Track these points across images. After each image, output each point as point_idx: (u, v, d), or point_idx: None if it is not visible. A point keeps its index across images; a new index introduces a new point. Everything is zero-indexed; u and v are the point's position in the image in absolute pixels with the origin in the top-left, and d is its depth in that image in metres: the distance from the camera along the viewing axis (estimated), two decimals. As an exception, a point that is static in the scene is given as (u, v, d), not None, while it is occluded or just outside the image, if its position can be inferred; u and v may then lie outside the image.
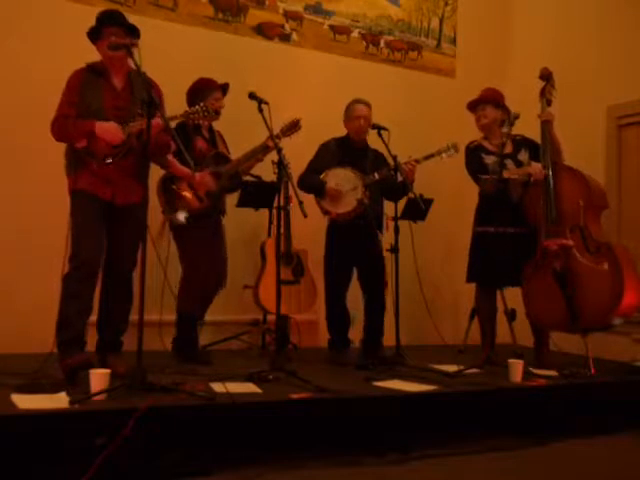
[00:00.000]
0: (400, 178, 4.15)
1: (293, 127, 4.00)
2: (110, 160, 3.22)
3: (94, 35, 3.33)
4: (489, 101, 4.39)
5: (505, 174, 4.14)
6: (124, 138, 3.21)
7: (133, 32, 3.33)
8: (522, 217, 4.24)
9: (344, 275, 4.37)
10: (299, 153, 4.26)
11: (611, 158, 5.02)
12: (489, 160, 4.26)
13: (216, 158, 3.97)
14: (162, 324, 4.06)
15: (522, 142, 4.38)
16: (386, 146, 4.07)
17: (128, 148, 3.24)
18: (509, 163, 4.25)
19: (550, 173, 4.14)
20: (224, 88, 4.08)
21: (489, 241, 4.22)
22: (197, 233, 3.93)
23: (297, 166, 4.26)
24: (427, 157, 4.24)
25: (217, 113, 3.92)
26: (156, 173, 3.74)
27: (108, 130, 3.20)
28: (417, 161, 4.19)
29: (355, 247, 4.27)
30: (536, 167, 4.19)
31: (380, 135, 4.12)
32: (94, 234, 3.27)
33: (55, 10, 4.23)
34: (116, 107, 3.30)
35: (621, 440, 3.57)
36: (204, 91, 3.98)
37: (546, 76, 4.35)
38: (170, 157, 3.75)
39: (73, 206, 3.30)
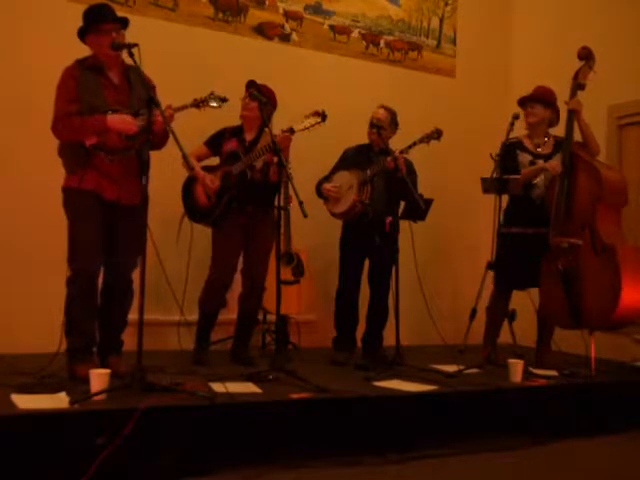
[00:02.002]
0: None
1: (314, 118, 3.90)
2: (123, 151, 3.22)
3: (86, 31, 3.29)
4: (539, 99, 4.24)
5: (523, 172, 4.12)
6: (138, 128, 3.20)
7: (124, 25, 3.33)
8: (544, 217, 4.13)
9: (356, 270, 4.36)
10: (299, 152, 4.26)
11: (611, 158, 5.01)
12: (522, 158, 4.24)
13: (230, 157, 3.96)
14: (163, 324, 4.06)
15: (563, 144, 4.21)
16: (386, 145, 4.07)
17: (139, 141, 3.23)
18: (539, 163, 4.19)
19: (568, 167, 4.01)
20: (250, 85, 3.97)
21: (509, 242, 4.19)
22: (226, 234, 3.93)
23: (297, 166, 4.25)
24: (411, 145, 4.18)
25: (224, 100, 3.83)
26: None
27: (122, 121, 3.19)
28: (402, 152, 4.17)
29: (366, 244, 4.28)
30: (552, 162, 4.11)
31: (380, 135, 4.13)
32: (93, 238, 3.26)
33: (55, 10, 4.23)
34: (118, 102, 3.28)
35: (621, 440, 3.58)
36: None
37: (584, 55, 4.06)
38: (191, 159, 3.73)
39: (74, 206, 3.27)
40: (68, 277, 3.26)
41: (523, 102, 4.31)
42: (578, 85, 4.11)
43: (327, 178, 4.36)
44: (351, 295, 4.37)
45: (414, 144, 4.19)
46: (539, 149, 4.25)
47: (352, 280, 4.36)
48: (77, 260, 3.24)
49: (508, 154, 4.24)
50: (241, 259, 4.06)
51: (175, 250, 3.80)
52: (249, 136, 4.04)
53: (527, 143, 4.30)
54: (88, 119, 3.17)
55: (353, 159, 4.36)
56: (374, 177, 4.19)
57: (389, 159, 4.07)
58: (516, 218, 4.23)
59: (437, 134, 4.23)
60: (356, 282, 4.37)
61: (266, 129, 3.96)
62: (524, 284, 4.34)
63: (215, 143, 4.05)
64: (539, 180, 4.18)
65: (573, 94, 4.11)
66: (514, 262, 4.17)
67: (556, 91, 4.26)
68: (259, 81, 3.98)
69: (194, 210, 3.96)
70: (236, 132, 4.05)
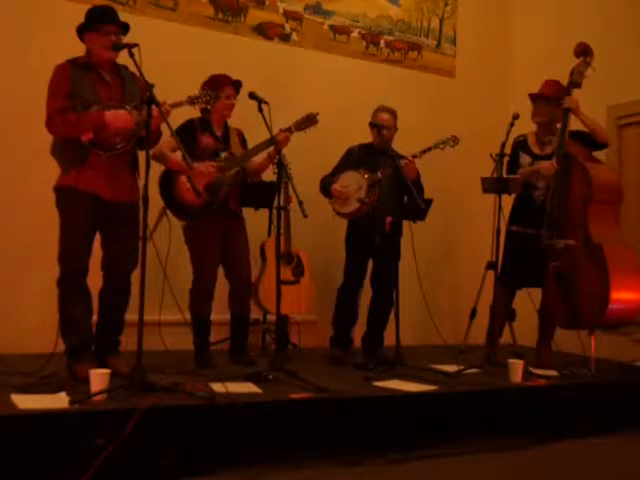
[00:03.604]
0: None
1: (308, 121, 3.92)
2: (120, 146, 3.20)
3: (86, 29, 3.27)
4: (542, 98, 4.20)
5: (520, 172, 4.12)
6: (134, 124, 3.18)
7: (125, 31, 3.33)
8: (544, 217, 4.11)
9: (359, 269, 4.38)
10: (299, 153, 4.26)
11: (611, 158, 5.01)
12: (523, 160, 4.24)
13: (215, 154, 3.89)
14: (162, 324, 4.05)
15: (569, 138, 4.17)
16: (389, 146, 4.08)
17: (136, 137, 3.22)
18: (540, 163, 4.19)
19: (562, 168, 4.01)
20: (236, 85, 3.97)
21: (513, 241, 4.20)
22: (204, 233, 3.87)
23: (297, 166, 4.26)
24: (425, 150, 4.20)
25: (217, 97, 3.74)
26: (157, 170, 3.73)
27: (120, 117, 3.17)
28: (415, 156, 4.18)
29: (370, 243, 4.28)
30: (545, 163, 4.11)
31: (380, 135, 4.13)
32: (84, 240, 3.26)
33: (55, 10, 4.23)
34: (111, 99, 3.26)
35: (621, 440, 3.58)
36: (215, 87, 3.85)
37: (581, 52, 4.00)
38: (167, 152, 3.74)
39: (68, 206, 3.24)
40: (58, 277, 3.27)
41: (533, 98, 4.27)
42: (573, 83, 4.06)
43: (332, 176, 4.35)
44: (353, 293, 4.38)
45: (429, 149, 4.21)
46: (545, 148, 4.23)
47: (355, 278, 4.37)
48: (66, 260, 3.24)
49: (513, 154, 4.25)
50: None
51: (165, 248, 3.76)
52: (218, 131, 4.00)
53: (531, 142, 4.30)
54: (85, 115, 3.16)
55: (358, 159, 4.36)
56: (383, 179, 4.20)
57: (406, 162, 4.08)
58: (519, 217, 4.24)
59: (453, 141, 4.23)
60: (359, 281, 4.39)
61: (230, 124, 4.02)
62: (525, 283, 4.34)
63: (187, 135, 3.84)
64: (541, 181, 4.18)
65: (568, 92, 4.07)
66: (515, 260, 4.17)
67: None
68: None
69: (180, 207, 3.83)
70: (205, 126, 3.96)
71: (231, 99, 3.94)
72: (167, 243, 3.56)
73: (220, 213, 3.87)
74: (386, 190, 4.23)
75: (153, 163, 3.07)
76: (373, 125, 4.25)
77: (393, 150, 4.24)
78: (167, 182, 3.86)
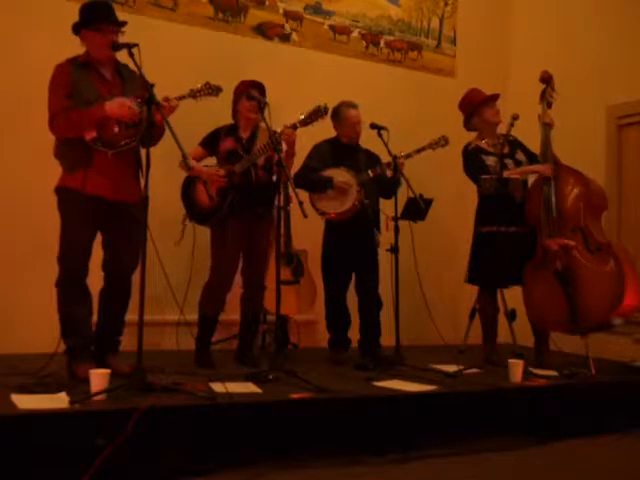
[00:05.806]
0: (390, 174, 4.19)
1: (314, 114, 3.86)
2: (124, 142, 3.19)
3: (85, 26, 3.24)
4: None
5: (506, 174, 4.15)
6: (138, 112, 3.15)
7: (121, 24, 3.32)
8: (523, 216, 4.25)
9: (343, 274, 4.38)
10: (299, 153, 4.25)
11: (611, 158, 5.02)
12: (490, 161, 4.26)
13: (230, 156, 3.93)
14: (163, 324, 4.06)
15: (516, 143, 4.40)
16: (386, 146, 4.07)
17: (141, 130, 3.20)
18: (509, 163, 4.26)
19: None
20: (257, 87, 3.93)
21: (490, 241, 4.23)
22: (226, 237, 3.88)
23: (297, 166, 4.26)
24: (418, 150, 4.25)
25: (219, 89, 3.62)
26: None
27: (121, 105, 3.14)
28: (409, 155, 4.20)
29: (353, 246, 4.28)
30: (542, 166, 4.18)
31: (380, 135, 4.13)
32: (85, 241, 3.26)
33: (55, 10, 4.23)
34: (112, 96, 3.23)
35: (621, 440, 3.57)
36: (238, 92, 3.97)
37: (546, 79, 4.38)
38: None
39: (72, 208, 3.23)
40: (57, 278, 3.26)
41: (494, 99, 4.42)
42: (547, 103, 4.36)
43: (311, 172, 4.28)
44: (342, 298, 4.37)
45: (422, 149, 4.25)
46: (503, 149, 4.28)
47: (342, 283, 4.37)
48: (66, 261, 3.24)
49: (474, 159, 4.29)
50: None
51: (173, 249, 3.77)
52: (245, 134, 4.02)
53: (484, 146, 4.35)
54: (86, 110, 3.13)
55: (333, 156, 4.33)
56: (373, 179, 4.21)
57: (399, 161, 4.09)
58: (493, 217, 4.25)
59: (444, 141, 4.29)
60: (345, 284, 4.38)
61: (261, 125, 3.96)
62: (507, 282, 4.38)
63: (211, 143, 3.99)
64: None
65: (544, 110, 4.33)
66: (493, 262, 4.19)
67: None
68: (259, 81, 3.99)
69: (196, 211, 3.91)
70: (231, 131, 4.02)
71: (252, 101, 3.91)
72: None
73: (244, 217, 3.88)
74: (370, 189, 4.25)
75: (154, 163, 3.06)
76: (374, 126, 4.22)
77: (364, 148, 4.31)
78: (187, 189, 3.94)
